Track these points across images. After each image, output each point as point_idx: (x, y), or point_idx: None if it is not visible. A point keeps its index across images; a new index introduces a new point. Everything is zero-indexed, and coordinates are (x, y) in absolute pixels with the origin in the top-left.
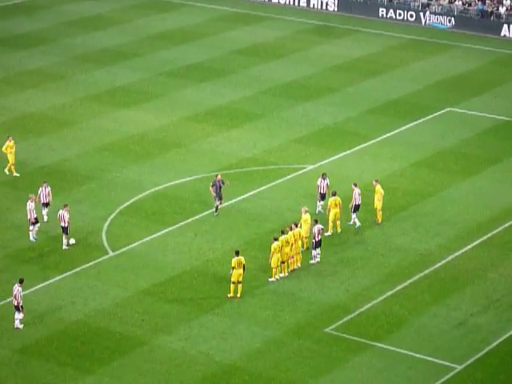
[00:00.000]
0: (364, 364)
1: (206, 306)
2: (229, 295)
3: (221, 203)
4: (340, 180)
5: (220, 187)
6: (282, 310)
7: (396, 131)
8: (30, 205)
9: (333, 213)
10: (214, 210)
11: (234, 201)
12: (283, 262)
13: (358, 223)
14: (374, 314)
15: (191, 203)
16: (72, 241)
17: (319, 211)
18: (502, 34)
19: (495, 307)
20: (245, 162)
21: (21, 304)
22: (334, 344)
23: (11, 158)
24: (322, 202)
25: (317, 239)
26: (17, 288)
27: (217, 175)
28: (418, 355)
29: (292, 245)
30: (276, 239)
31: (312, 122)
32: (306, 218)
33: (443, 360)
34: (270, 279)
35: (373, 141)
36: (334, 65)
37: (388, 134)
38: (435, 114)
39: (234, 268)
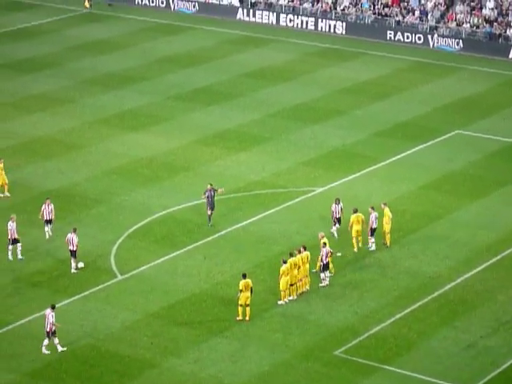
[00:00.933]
0: None
1: (215, 328)
2: (237, 318)
3: (212, 213)
4: (349, 202)
5: (212, 196)
6: (290, 332)
7: (404, 154)
8: (11, 225)
9: (354, 229)
10: (207, 220)
11: (242, 224)
12: (292, 285)
13: (373, 247)
14: (382, 336)
15: (200, 226)
16: (81, 264)
17: (333, 235)
18: (510, 57)
19: (505, 329)
20: (253, 185)
21: (53, 329)
22: (342, 367)
23: (1, 179)
24: (337, 226)
25: (324, 262)
26: (49, 313)
27: (208, 185)
28: (427, 378)
29: (299, 267)
30: (285, 262)
31: (320, 144)
32: (324, 242)
33: (452, 382)
34: (278, 302)
35: (381, 163)
36: (343, 87)
37: (396, 157)
38: (443, 137)
39: (241, 291)
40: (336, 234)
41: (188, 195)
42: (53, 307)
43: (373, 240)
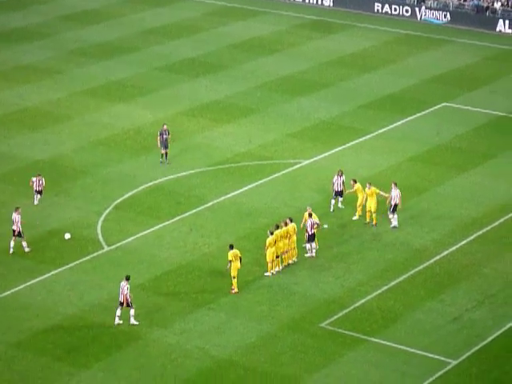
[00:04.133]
0: (359, 359)
1: (201, 300)
2: (234, 291)
3: (166, 152)
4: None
5: (167, 136)
6: (277, 304)
7: (392, 126)
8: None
9: (360, 198)
10: (160, 157)
11: (229, 195)
12: (277, 257)
13: (393, 223)
14: (368, 308)
15: (186, 198)
16: (67, 235)
17: (339, 208)
18: (498, 30)
19: (490, 302)
20: (240, 156)
21: (129, 301)
22: (328, 339)
23: None
24: (340, 199)
25: (310, 233)
26: (124, 285)
27: (163, 125)
28: (412, 350)
29: (289, 239)
30: (272, 233)
31: (307, 116)
32: (310, 213)
33: (438, 355)
34: (265, 273)
35: (368, 135)
36: (330, 60)
37: (384, 129)
38: (431, 109)
39: (231, 261)
40: (333, 208)
41: (174, 167)
42: (127, 278)
43: (395, 216)
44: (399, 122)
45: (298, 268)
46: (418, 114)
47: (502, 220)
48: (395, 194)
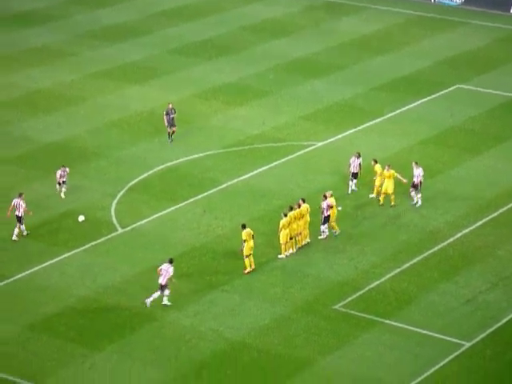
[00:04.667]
0: (373, 341)
1: (215, 282)
2: (246, 271)
3: (174, 131)
4: (349, 157)
5: (173, 115)
6: (290, 286)
7: (405, 108)
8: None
9: (379, 178)
10: (167, 138)
11: (242, 177)
12: (291, 238)
13: (415, 200)
14: (382, 290)
15: (200, 180)
16: (81, 218)
17: (353, 190)
18: None
19: (504, 284)
20: (253, 138)
21: (166, 284)
22: (342, 321)
23: None
24: (354, 181)
25: (325, 214)
26: (168, 267)
27: (169, 104)
28: (426, 332)
29: (301, 219)
30: (285, 215)
31: (321, 98)
32: (332, 200)
33: (452, 337)
34: (279, 256)
35: (382, 118)
36: (342, 42)
37: (397, 111)
38: (444, 91)
39: (245, 241)
40: (350, 189)
41: (188, 149)
42: (171, 261)
43: (419, 195)
44: (412, 104)
45: (311, 250)
46: (431, 96)
47: None
48: (417, 173)
